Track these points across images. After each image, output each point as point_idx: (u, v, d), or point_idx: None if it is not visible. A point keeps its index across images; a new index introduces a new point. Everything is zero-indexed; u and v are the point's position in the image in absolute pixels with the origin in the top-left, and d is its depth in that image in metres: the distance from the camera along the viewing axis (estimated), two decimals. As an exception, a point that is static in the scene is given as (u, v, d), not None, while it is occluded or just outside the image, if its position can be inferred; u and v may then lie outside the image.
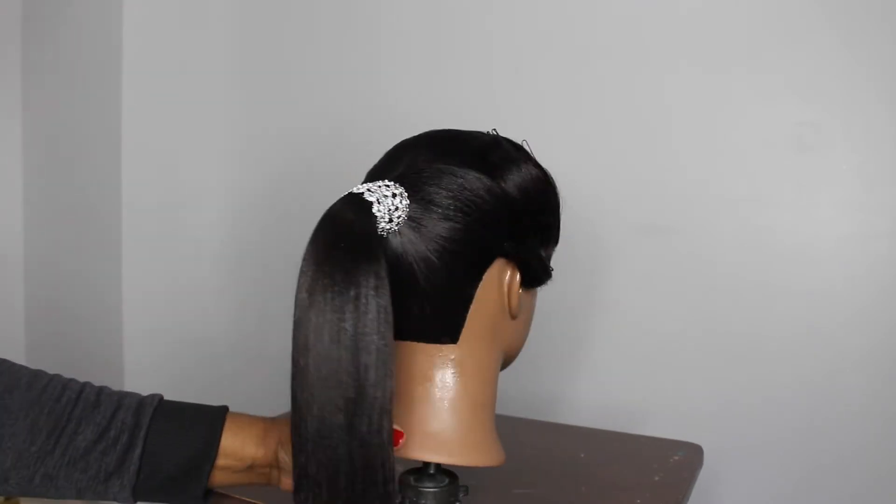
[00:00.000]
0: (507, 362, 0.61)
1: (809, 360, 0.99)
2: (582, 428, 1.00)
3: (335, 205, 0.48)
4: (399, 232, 0.50)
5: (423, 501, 0.57)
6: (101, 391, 0.54)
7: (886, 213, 0.95)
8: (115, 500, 0.52)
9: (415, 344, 0.54)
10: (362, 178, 0.56)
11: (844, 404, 0.97)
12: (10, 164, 1.41)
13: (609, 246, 1.08)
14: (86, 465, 0.50)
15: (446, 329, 0.53)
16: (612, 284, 1.09)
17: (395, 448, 0.51)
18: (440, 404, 0.53)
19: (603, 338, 1.10)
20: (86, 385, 0.54)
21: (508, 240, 0.53)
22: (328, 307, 0.43)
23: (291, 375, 0.44)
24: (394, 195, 0.49)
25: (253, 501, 0.59)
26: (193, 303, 1.40)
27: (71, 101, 1.34)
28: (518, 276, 0.54)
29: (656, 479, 0.80)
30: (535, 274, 0.56)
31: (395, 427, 0.51)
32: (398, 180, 0.51)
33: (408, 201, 0.50)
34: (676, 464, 0.85)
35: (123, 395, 0.54)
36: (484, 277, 0.53)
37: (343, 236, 0.45)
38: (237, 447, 0.53)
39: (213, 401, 0.57)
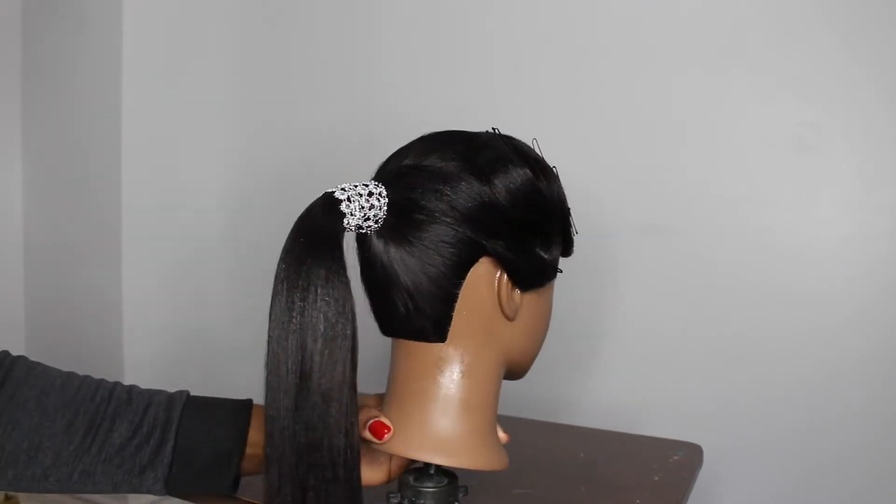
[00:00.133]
0: (517, 369, 0.59)
1: (809, 360, 0.99)
2: (582, 428, 1.00)
3: (312, 202, 0.50)
4: (379, 230, 0.52)
5: (423, 501, 0.57)
6: (132, 389, 0.56)
7: (886, 213, 0.95)
8: (148, 492, 0.54)
9: (408, 342, 0.55)
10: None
11: (844, 404, 0.97)
12: (10, 163, 1.41)
13: (609, 246, 1.08)
14: (121, 460, 0.53)
15: (432, 327, 0.53)
16: (611, 284, 1.09)
17: (380, 442, 0.52)
18: (434, 404, 0.53)
19: (603, 338, 1.10)
20: (117, 384, 0.56)
21: (493, 239, 0.52)
22: (283, 297, 0.46)
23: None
24: (370, 194, 0.51)
25: (253, 501, 0.59)
26: (193, 302, 1.40)
27: (71, 101, 1.34)
28: (506, 277, 0.53)
29: (656, 478, 0.80)
30: (530, 275, 0.55)
31: (382, 420, 0.53)
32: (381, 179, 0.53)
33: (386, 200, 0.51)
34: (676, 464, 0.85)
35: (154, 393, 0.56)
36: (468, 276, 0.52)
37: (303, 231, 0.48)
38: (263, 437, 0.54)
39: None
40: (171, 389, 0.59)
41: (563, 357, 1.09)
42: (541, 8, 1.12)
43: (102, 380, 0.56)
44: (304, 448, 0.46)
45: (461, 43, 1.18)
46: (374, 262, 0.52)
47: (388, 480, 0.60)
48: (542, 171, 0.55)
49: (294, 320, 0.46)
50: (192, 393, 0.58)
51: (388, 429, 0.53)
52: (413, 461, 0.59)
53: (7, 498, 1.27)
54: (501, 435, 0.58)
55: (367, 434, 0.52)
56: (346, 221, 0.50)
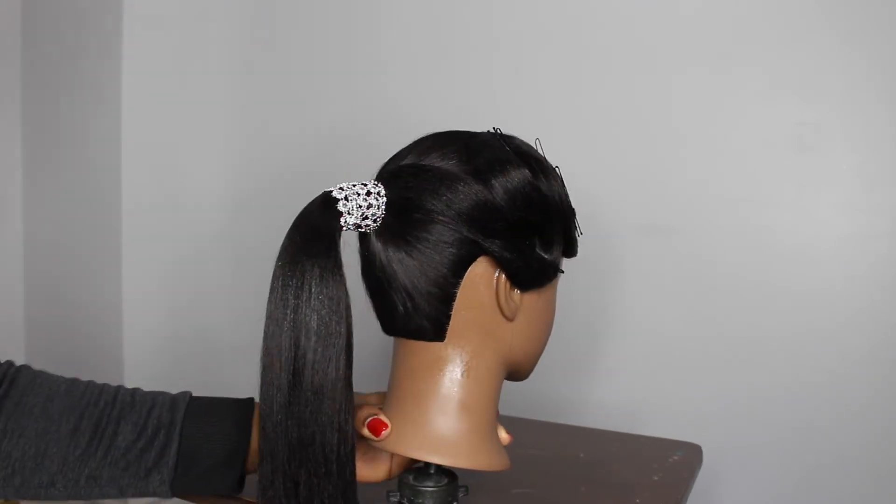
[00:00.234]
0: (519, 370, 0.59)
1: (809, 360, 0.99)
2: (581, 428, 1.00)
3: (311, 201, 0.51)
4: (378, 229, 0.52)
5: (422, 501, 0.57)
6: (135, 392, 0.57)
7: (886, 213, 0.95)
8: (154, 494, 0.54)
9: (408, 341, 0.55)
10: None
11: (844, 404, 0.97)
12: (10, 163, 1.40)
13: (609, 246, 1.08)
14: (126, 463, 0.53)
15: (431, 327, 0.53)
16: (611, 284, 1.09)
17: (378, 439, 0.53)
18: (433, 403, 0.54)
19: (602, 338, 1.10)
20: (120, 388, 0.57)
21: (491, 239, 0.52)
22: (278, 294, 0.47)
23: None
24: (368, 193, 0.51)
25: (252, 501, 0.59)
26: (193, 302, 1.40)
27: (71, 102, 1.34)
28: (504, 277, 0.53)
29: (656, 478, 0.80)
30: (529, 275, 0.54)
31: (380, 417, 0.53)
32: (381, 178, 0.54)
33: (384, 199, 0.52)
34: (676, 463, 0.85)
35: (157, 395, 0.57)
36: (466, 276, 0.52)
37: (300, 230, 0.49)
38: None
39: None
40: (172, 389, 0.60)
41: (563, 357, 1.09)
42: (541, 8, 1.12)
43: (106, 384, 0.57)
44: (297, 443, 0.46)
45: (461, 43, 1.18)
46: (373, 260, 0.53)
47: (388, 478, 0.60)
48: (542, 172, 0.55)
49: (288, 317, 0.47)
50: (195, 393, 0.59)
51: (386, 426, 0.53)
52: (414, 460, 0.60)
53: (6, 501, 1.27)
54: (504, 436, 0.58)
55: (366, 431, 0.53)
56: (343, 220, 0.50)
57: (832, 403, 0.98)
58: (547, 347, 0.61)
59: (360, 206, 0.51)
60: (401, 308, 0.53)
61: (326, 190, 0.51)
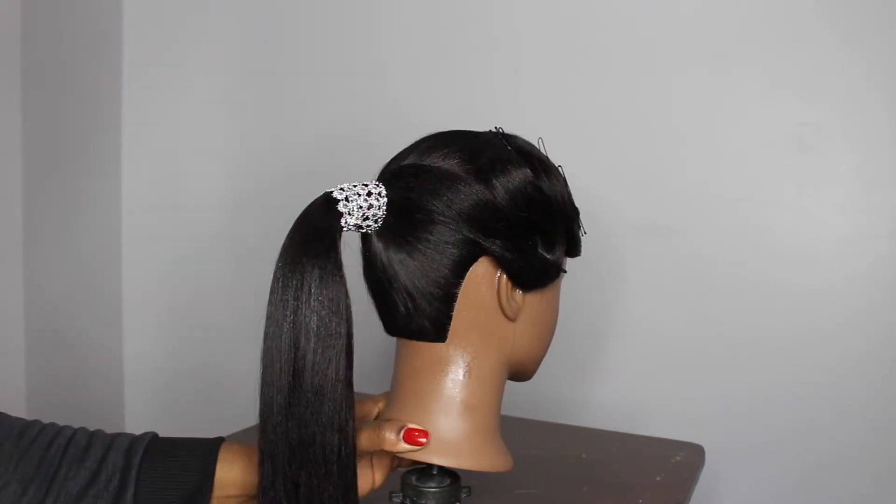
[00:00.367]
0: (522, 370, 0.59)
1: (809, 360, 0.99)
2: (583, 428, 1.00)
3: (312, 201, 0.51)
4: (379, 230, 0.52)
5: (424, 501, 0.57)
6: (94, 435, 0.54)
7: (886, 213, 0.95)
8: None
9: (410, 342, 0.55)
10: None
11: (844, 404, 0.97)
12: (10, 163, 1.40)
13: (609, 246, 1.08)
14: None
15: (432, 327, 0.53)
16: (611, 284, 1.09)
17: (418, 448, 0.52)
18: (435, 404, 0.54)
19: (603, 338, 1.10)
20: (78, 430, 0.54)
21: (492, 239, 0.52)
22: (279, 295, 0.47)
23: None
24: (369, 193, 0.51)
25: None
26: (193, 302, 1.40)
27: (71, 101, 1.34)
28: (505, 277, 0.53)
29: (658, 479, 0.80)
30: (531, 275, 0.54)
31: (411, 426, 0.52)
32: (382, 178, 0.53)
33: (385, 199, 0.52)
34: (678, 464, 0.85)
35: (115, 437, 0.54)
36: (467, 276, 0.52)
37: (300, 230, 0.49)
38: (236, 477, 0.53)
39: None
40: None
41: (564, 357, 1.09)
42: (541, 8, 1.12)
43: (66, 426, 0.54)
44: (297, 444, 0.46)
45: (461, 43, 1.18)
46: (374, 261, 0.53)
47: (375, 488, 0.59)
48: (544, 171, 0.55)
49: (288, 318, 0.47)
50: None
51: (425, 433, 0.52)
52: (414, 462, 0.59)
53: None
54: None
55: (404, 445, 0.52)
56: (343, 221, 0.50)
57: (832, 403, 0.98)
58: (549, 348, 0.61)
59: (361, 207, 0.51)
60: (402, 308, 0.53)
61: (327, 191, 0.51)
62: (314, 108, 1.32)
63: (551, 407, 1.09)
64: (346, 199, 0.50)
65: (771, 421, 1.01)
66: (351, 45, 1.27)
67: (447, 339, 0.53)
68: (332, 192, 0.51)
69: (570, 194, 0.58)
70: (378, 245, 0.52)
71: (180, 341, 1.37)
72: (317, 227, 0.49)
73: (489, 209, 0.51)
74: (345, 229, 0.51)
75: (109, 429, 0.56)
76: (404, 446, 0.52)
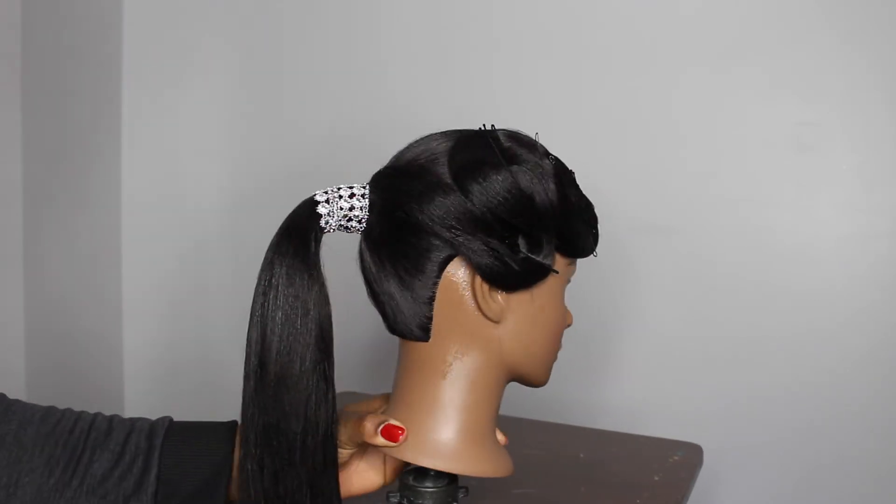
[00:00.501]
0: (526, 373, 0.58)
1: (809, 360, 0.99)
2: (581, 428, 1.00)
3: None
4: (364, 231, 0.54)
5: (421, 501, 0.57)
6: (113, 419, 0.56)
7: (886, 213, 0.95)
8: None
9: (404, 342, 0.56)
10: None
11: (844, 404, 0.97)
12: (10, 163, 1.40)
13: (608, 246, 1.07)
14: (104, 491, 0.52)
15: (415, 327, 0.53)
16: (611, 284, 1.09)
17: (395, 444, 0.52)
18: (423, 405, 0.54)
19: (602, 338, 1.10)
20: (97, 415, 0.56)
21: (466, 240, 0.51)
22: (256, 291, 0.51)
23: None
24: (351, 195, 0.53)
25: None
26: (193, 302, 1.40)
27: (71, 101, 1.34)
28: (478, 278, 0.52)
29: (656, 479, 0.80)
30: (511, 276, 0.52)
31: (392, 422, 0.53)
32: (371, 180, 0.55)
33: (367, 201, 0.53)
34: (676, 464, 0.85)
35: (135, 420, 0.56)
36: (443, 278, 0.52)
37: (279, 230, 0.52)
38: None
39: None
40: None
41: (562, 357, 1.09)
42: (541, 8, 1.12)
43: (83, 412, 0.56)
44: (261, 429, 0.49)
45: (461, 43, 1.18)
46: (362, 261, 0.55)
47: (386, 483, 0.60)
48: (531, 170, 0.53)
49: (257, 312, 0.51)
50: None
51: (402, 430, 0.53)
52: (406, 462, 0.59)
53: None
54: (499, 437, 0.58)
55: (380, 440, 0.53)
56: (323, 222, 0.52)
57: (832, 403, 0.98)
58: (547, 348, 0.61)
59: (343, 209, 0.53)
60: (387, 308, 0.54)
61: (313, 193, 0.54)
62: (314, 108, 1.32)
63: (550, 406, 1.09)
64: (327, 201, 0.53)
65: (771, 421, 1.01)
66: (351, 45, 1.27)
67: (430, 339, 0.54)
68: (315, 194, 0.53)
69: (565, 192, 0.55)
70: (363, 245, 0.54)
71: (180, 338, 1.37)
72: (289, 227, 0.52)
73: (462, 211, 0.51)
74: (327, 230, 0.53)
75: (109, 421, 0.57)
76: (380, 440, 0.52)
